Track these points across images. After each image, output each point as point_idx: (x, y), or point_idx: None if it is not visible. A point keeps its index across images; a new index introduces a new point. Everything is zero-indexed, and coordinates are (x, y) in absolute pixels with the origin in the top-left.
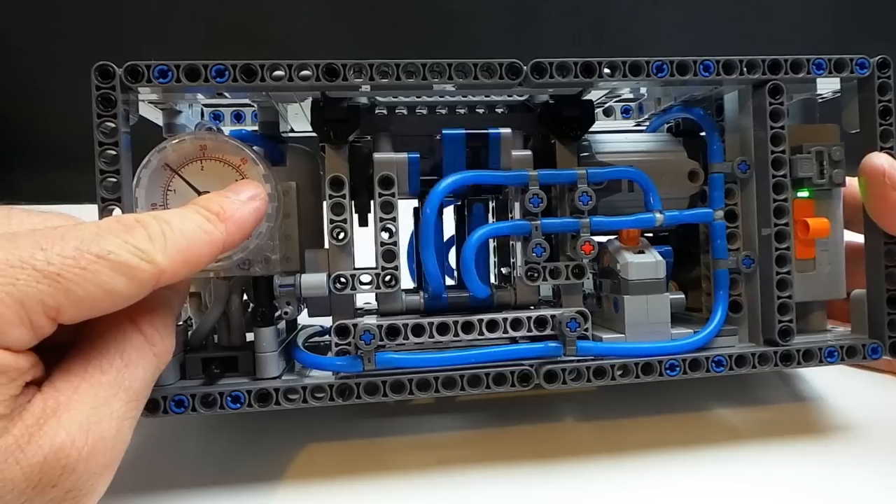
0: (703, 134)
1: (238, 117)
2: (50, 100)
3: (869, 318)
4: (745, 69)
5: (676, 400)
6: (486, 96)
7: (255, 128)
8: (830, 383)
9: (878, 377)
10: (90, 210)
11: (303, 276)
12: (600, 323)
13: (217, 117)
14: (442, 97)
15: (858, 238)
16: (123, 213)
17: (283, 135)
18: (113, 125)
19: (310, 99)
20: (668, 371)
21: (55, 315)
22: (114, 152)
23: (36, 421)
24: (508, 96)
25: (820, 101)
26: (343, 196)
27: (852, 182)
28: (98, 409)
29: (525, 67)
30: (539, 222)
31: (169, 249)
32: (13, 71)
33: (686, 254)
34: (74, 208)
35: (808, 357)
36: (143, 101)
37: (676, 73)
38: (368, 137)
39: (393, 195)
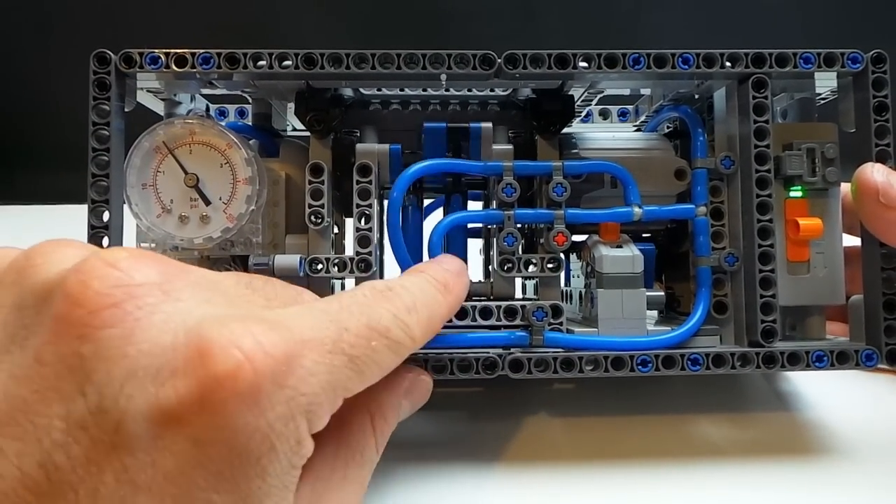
0: None
1: (242, 114)
2: (50, 100)
3: (865, 324)
4: (726, 62)
5: (665, 405)
6: (468, 90)
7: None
8: (831, 386)
9: (882, 379)
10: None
11: (276, 256)
12: (588, 324)
13: (223, 113)
14: (425, 91)
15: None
16: (110, 189)
17: (283, 132)
18: (106, 108)
19: None
20: (639, 367)
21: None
22: (106, 132)
23: None
24: (491, 91)
25: (822, 101)
26: (321, 182)
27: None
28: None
29: (499, 59)
30: (512, 212)
31: (421, 322)
32: (13, 71)
33: (678, 254)
34: (74, 209)
35: (794, 360)
36: (143, 88)
37: (654, 66)
38: (359, 132)
39: (370, 183)
